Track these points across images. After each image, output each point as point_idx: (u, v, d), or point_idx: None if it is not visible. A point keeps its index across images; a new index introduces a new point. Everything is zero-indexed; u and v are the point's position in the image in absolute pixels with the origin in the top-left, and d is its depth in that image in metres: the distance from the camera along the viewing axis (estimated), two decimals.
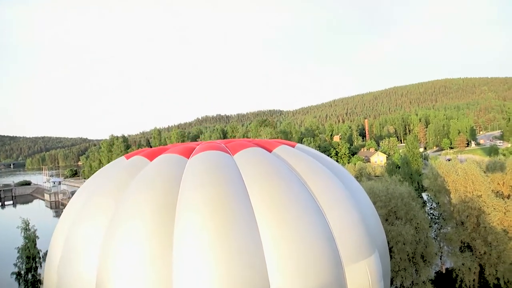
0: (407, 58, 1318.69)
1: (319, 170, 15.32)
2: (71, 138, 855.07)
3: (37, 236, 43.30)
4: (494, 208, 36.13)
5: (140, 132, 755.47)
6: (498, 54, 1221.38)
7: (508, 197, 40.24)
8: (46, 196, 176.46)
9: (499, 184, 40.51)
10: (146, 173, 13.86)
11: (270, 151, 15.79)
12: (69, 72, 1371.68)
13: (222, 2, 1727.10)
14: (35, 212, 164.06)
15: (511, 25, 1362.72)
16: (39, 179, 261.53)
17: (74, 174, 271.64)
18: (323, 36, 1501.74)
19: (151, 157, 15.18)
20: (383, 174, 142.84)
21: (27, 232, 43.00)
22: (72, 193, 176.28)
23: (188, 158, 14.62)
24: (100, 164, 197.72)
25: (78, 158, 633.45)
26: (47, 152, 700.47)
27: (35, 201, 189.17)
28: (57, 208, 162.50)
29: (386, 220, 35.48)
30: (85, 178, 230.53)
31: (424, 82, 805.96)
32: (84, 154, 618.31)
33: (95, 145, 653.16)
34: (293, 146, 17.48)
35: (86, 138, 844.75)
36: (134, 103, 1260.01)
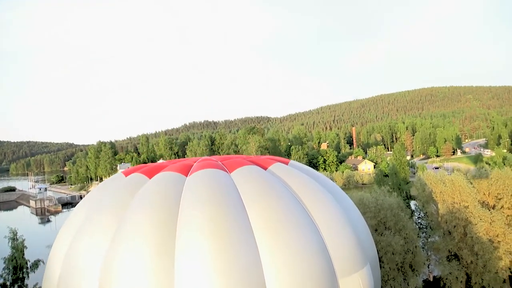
0: (393, 66, 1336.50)
1: (312, 187, 15.84)
2: (57, 143, 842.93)
3: (25, 246, 42.75)
4: (481, 219, 36.94)
5: (127, 138, 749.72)
6: (482, 63, 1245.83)
7: (494, 207, 41.15)
8: (32, 203, 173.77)
9: (484, 194, 41.37)
10: (146, 191, 14.05)
11: (265, 168, 16.19)
12: (55, 76, 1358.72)
13: (210, 10, 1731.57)
14: (20, 219, 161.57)
15: (495, 35, 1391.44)
16: (24, 185, 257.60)
17: (61, 180, 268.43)
18: (310, 43, 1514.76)
19: (149, 174, 15.36)
20: (371, 182, 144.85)
21: (15, 242, 42.44)
22: (59, 199, 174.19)
23: (186, 175, 14.88)
24: (87, 170, 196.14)
25: (64, 164, 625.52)
26: (32, 157, 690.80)
27: (20, 208, 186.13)
28: (43, 215, 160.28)
29: (376, 230, 36.04)
30: (71, 184, 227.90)
31: (411, 90, 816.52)
32: (70, 159, 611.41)
33: (81, 150, 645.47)
34: (287, 163, 17.88)
35: (72, 143, 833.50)
36: (121, 109, 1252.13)
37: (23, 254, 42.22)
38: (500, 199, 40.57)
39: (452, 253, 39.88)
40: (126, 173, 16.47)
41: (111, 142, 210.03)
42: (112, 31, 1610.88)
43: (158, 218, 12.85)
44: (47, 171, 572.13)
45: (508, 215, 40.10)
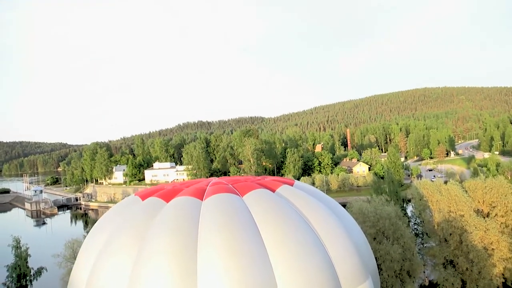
0: (387, 66, 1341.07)
1: (317, 207, 17.04)
2: (50, 143, 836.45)
3: (29, 255, 43.37)
4: (476, 227, 38.13)
5: (121, 138, 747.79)
6: (474, 64, 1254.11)
7: (488, 215, 42.32)
8: (27, 205, 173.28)
9: (479, 202, 42.49)
10: (165, 215, 14.98)
11: (273, 191, 17.38)
12: (49, 77, 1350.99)
13: (203, 11, 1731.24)
14: (15, 221, 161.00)
15: (486, 37, 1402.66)
16: (18, 186, 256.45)
17: (55, 181, 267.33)
18: (304, 43, 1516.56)
19: (166, 198, 16.29)
20: (366, 185, 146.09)
21: (18, 250, 43.04)
22: (54, 202, 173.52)
23: (202, 200, 15.86)
24: (83, 172, 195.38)
25: (58, 164, 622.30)
26: (26, 158, 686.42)
27: (14, 210, 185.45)
28: (39, 217, 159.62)
29: (374, 239, 37.13)
30: (66, 186, 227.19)
31: (404, 91, 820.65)
32: (64, 160, 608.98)
33: (75, 150, 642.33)
34: (292, 185, 18.95)
35: (66, 143, 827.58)
36: (115, 109, 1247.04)
37: (27, 262, 42.88)
38: (494, 207, 41.73)
39: (448, 260, 41.12)
40: (143, 197, 17.30)
41: (106, 144, 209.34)
42: (105, 32, 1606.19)
43: (180, 241, 13.84)
44: (41, 172, 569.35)
45: (501, 223, 41.31)
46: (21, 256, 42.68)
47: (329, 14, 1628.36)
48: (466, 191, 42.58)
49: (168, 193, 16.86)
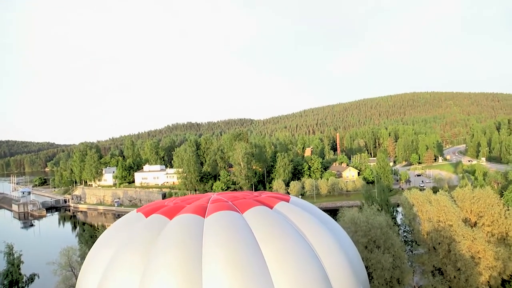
0: (376, 71, 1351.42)
1: (312, 222, 18.00)
2: (37, 143, 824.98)
3: (22, 261, 43.21)
4: (464, 237, 39.17)
5: (109, 138, 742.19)
6: (462, 70, 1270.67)
7: (475, 224, 43.46)
8: (14, 207, 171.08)
9: (467, 212, 43.60)
10: (170, 233, 15.62)
11: (271, 207, 18.13)
12: (36, 75, 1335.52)
13: (194, 12, 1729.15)
14: (1, 224, 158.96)
15: (475, 43, 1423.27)
16: (5, 187, 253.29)
17: (43, 182, 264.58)
18: (294, 47, 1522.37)
19: (169, 215, 16.95)
20: (355, 190, 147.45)
21: (11, 256, 42.88)
22: (43, 203, 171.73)
23: (204, 217, 16.57)
24: (72, 174, 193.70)
25: (45, 164, 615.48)
26: (12, 157, 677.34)
27: (0, 212, 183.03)
28: (26, 219, 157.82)
29: (366, 247, 37.93)
30: (55, 187, 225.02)
31: (393, 95, 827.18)
32: (52, 160, 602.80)
33: (63, 151, 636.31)
34: (288, 201, 19.79)
35: (54, 143, 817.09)
36: (103, 109, 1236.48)
37: (19, 269, 42.74)
38: (481, 216, 42.92)
39: (437, 268, 42.15)
40: (146, 213, 17.88)
41: (96, 145, 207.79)
42: (93, 33, 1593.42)
43: (185, 256, 14.60)
44: (28, 172, 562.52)
45: (488, 232, 42.52)
46: (14, 263, 42.45)
47: (319, 17, 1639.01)
48: (455, 201, 43.71)
49: (170, 210, 17.43)
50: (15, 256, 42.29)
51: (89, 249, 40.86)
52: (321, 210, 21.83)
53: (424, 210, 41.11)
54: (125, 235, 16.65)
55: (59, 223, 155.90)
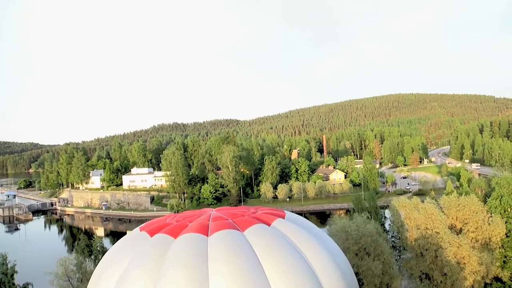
0: (362, 72, 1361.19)
1: (306, 237, 19.13)
2: (20, 143, 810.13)
3: (16, 271, 43.22)
4: (450, 243, 40.80)
5: (95, 139, 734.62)
6: (446, 72, 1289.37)
7: (461, 230, 45.08)
8: None
9: (453, 218, 45.21)
10: (176, 252, 16.45)
11: (269, 224, 19.24)
12: (19, 74, 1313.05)
13: (180, 12, 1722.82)
14: None
15: (458, 46, 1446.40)
16: None
17: (29, 185, 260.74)
18: (280, 48, 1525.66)
19: (173, 234, 17.75)
20: (343, 192, 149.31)
21: (4, 266, 42.86)
22: (29, 207, 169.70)
23: (207, 236, 17.50)
24: (58, 176, 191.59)
25: (29, 165, 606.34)
26: None
27: None
28: (11, 223, 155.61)
29: (356, 254, 39.22)
30: (41, 190, 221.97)
31: (378, 96, 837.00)
32: (36, 161, 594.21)
33: (48, 151, 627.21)
34: (283, 217, 20.94)
35: (38, 144, 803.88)
36: (88, 109, 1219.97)
37: (13, 279, 42.76)
38: (466, 223, 44.59)
39: (424, 273, 43.73)
40: (150, 232, 18.60)
41: (83, 148, 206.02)
42: (81, 32, 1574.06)
43: (192, 274, 15.49)
44: (11, 174, 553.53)
45: (472, 238, 44.19)
46: (7, 272, 42.46)
47: (306, 19, 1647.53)
48: (441, 208, 45.33)
49: (174, 229, 18.27)
50: (9, 266, 42.22)
51: (84, 258, 41.43)
52: (313, 225, 23.08)
53: (412, 217, 42.54)
54: (132, 255, 17.34)
55: (47, 227, 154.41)
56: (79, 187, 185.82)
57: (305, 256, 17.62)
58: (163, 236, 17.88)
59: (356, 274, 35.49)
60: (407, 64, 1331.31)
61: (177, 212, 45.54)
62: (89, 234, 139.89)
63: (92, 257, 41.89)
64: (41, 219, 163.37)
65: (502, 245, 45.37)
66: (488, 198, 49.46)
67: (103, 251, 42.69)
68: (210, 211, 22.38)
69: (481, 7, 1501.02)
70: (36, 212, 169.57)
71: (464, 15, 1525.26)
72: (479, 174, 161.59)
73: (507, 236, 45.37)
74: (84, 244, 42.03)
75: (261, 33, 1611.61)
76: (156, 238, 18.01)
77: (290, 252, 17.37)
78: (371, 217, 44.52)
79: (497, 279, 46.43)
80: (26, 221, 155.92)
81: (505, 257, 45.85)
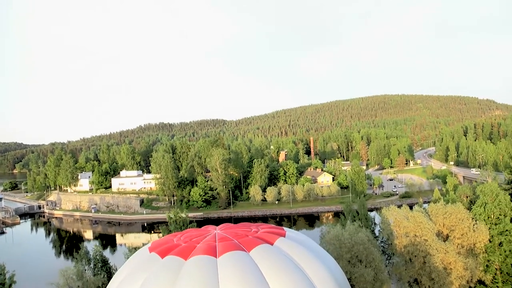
0: (348, 73, 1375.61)
1: (306, 255, 20.69)
2: (4, 143, 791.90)
3: (15, 281, 43.59)
4: (437, 250, 42.94)
5: (80, 139, 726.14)
6: (431, 73, 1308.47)
7: (447, 236, 47.14)
8: None
9: (440, 225, 47.26)
10: (189, 273, 17.74)
11: (272, 243, 20.72)
12: (3, 72, 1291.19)
13: (168, 13, 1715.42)
14: None
15: (443, 48, 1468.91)
16: None
17: (14, 187, 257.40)
18: (266, 48, 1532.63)
19: (184, 255, 19.08)
20: (331, 195, 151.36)
21: (1, 276, 43.15)
22: (16, 210, 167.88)
23: (216, 257, 18.90)
24: (46, 179, 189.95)
25: (13, 166, 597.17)
26: None
27: None
28: None
29: (349, 262, 40.86)
30: (27, 192, 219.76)
31: (364, 97, 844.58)
32: (21, 161, 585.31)
33: (33, 151, 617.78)
34: (284, 235, 22.40)
35: (22, 143, 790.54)
36: (73, 108, 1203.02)
37: None
38: (452, 230, 46.72)
39: (413, 279, 45.77)
40: (160, 254, 19.74)
41: (71, 151, 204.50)
42: (72, 30, 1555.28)
43: None
44: None
45: (458, 244, 46.28)
46: (5, 283, 42.74)
47: (292, 19, 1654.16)
48: (429, 215, 47.46)
49: (183, 250, 19.57)
50: (7, 276, 42.62)
51: (84, 267, 42.15)
52: (310, 240, 24.57)
53: (402, 225, 44.52)
54: (144, 276, 18.43)
55: (35, 230, 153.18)
56: (67, 189, 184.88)
57: (306, 273, 19.17)
58: (174, 258, 19.06)
59: (349, 279, 37.15)
60: (393, 65, 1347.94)
61: (175, 222, 46.38)
62: (79, 238, 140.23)
63: (92, 265, 42.68)
64: (29, 222, 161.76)
65: (485, 250, 47.74)
66: (473, 205, 51.67)
67: (103, 259, 43.54)
68: (214, 230, 23.66)
69: (466, 11, 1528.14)
70: (24, 215, 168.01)
71: (450, 19, 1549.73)
72: (463, 177, 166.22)
73: (490, 242, 47.70)
74: (83, 252, 42.71)
75: (248, 33, 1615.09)
76: (167, 260, 19.16)
77: (293, 270, 18.89)
78: (362, 225, 46.25)
79: (480, 282, 48.78)
80: (13, 225, 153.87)
81: (488, 261, 48.24)
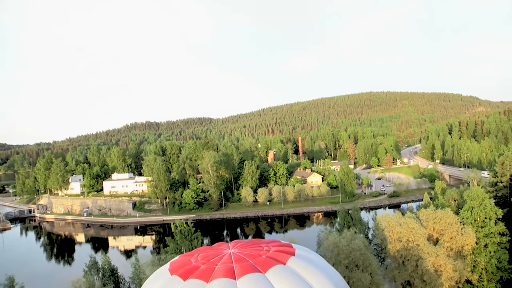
0: (334, 70, 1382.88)
1: (315, 272, 22.21)
2: None
3: None
4: (429, 254, 45.91)
5: (66, 139, 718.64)
6: (416, 70, 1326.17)
7: (437, 240, 50.08)
8: None
9: (431, 230, 50.27)
10: None
11: (284, 263, 22.66)
12: None
13: (152, 8, 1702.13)
14: None
15: (427, 45, 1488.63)
16: None
17: (1, 190, 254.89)
18: (252, 46, 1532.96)
19: (205, 278, 20.47)
20: (321, 195, 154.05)
21: None
22: (6, 215, 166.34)
23: (235, 279, 20.60)
24: (36, 182, 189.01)
25: None
26: None
27: None
28: None
29: (347, 267, 43.39)
30: (16, 195, 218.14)
31: (350, 95, 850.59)
32: (6, 163, 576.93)
33: (17, 152, 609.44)
34: (294, 253, 24.38)
35: (5, 144, 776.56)
36: (58, 107, 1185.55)
37: None
38: (442, 234, 49.75)
39: (406, 281, 48.55)
40: (182, 276, 21.46)
41: (60, 154, 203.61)
42: (65, 29, 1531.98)
43: None
44: None
45: (447, 247, 49.23)
46: None
47: (278, 16, 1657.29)
48: (420, 220, 50.43)
49: (204, 273, 21.24)
50: None
51: (93, 277, 43.71)
52: (319, 256, 26.60)
53: (395, 231, 47.32)
54: None
55: (26, 235, 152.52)
56: (58, 193, 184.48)
57: None
58: (196, 281, 20.74)
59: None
60: (378, 63, 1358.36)
61: (181, 232, 48.16)
62: (71, 241, 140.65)
63: (100, 275, 44.29)
64: (20, 227, 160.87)
65: (472, 252, 50.85)
66: (461, 209, 54.74)
67: (111, 268, 45.16)
68: (227, 248, 25.58)
69: (450, 8, 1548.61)
70: (14, 220, 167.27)
71: (434, 16, 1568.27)
72: (449, 176, 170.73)
73: (476, 244, 50.84)
74: (92, 262, 44.28)
75: (234, 30, 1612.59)
76: (189, 283, 20.83)
77: None
78: (357, 231, 48.85)
79: (468, 281, 51.97)
80: (3, 230, 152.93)
81: (475, 261, 51.45)
